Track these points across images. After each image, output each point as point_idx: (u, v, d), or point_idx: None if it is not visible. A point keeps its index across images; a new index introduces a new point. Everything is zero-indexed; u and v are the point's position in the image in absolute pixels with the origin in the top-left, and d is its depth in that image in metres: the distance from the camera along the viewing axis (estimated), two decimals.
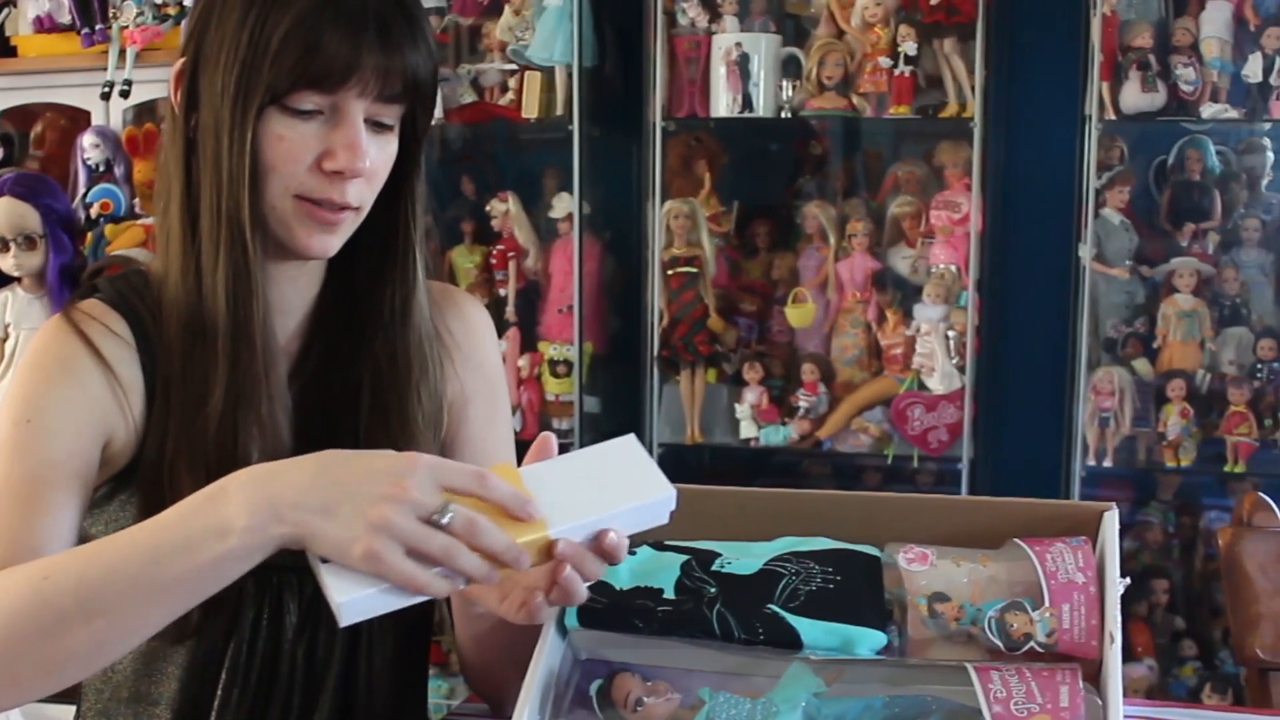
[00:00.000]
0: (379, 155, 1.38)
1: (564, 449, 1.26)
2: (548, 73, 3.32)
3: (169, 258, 1.42)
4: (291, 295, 1.48)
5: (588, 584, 1.22)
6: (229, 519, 1.14)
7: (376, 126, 1.38)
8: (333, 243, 1.40)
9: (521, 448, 1.67)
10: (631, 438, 1.24)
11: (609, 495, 1.20)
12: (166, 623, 1.20)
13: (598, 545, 1.18)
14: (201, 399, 1.39)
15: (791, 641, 1.26)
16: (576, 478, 1.22)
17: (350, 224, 1.41)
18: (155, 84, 3.44)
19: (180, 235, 1.40)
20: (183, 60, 1.40)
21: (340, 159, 1.34)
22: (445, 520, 1.11)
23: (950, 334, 3.14)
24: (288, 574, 1.43)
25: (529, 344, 3.42)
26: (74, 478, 1.37)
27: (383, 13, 1.34)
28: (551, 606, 1.23)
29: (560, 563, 1.17)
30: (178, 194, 1.40)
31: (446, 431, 1.56)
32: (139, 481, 1.40)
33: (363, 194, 1.39)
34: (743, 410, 3.28)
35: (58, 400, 1.38)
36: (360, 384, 1.47)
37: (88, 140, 3.53)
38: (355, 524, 1.10)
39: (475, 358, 1.60)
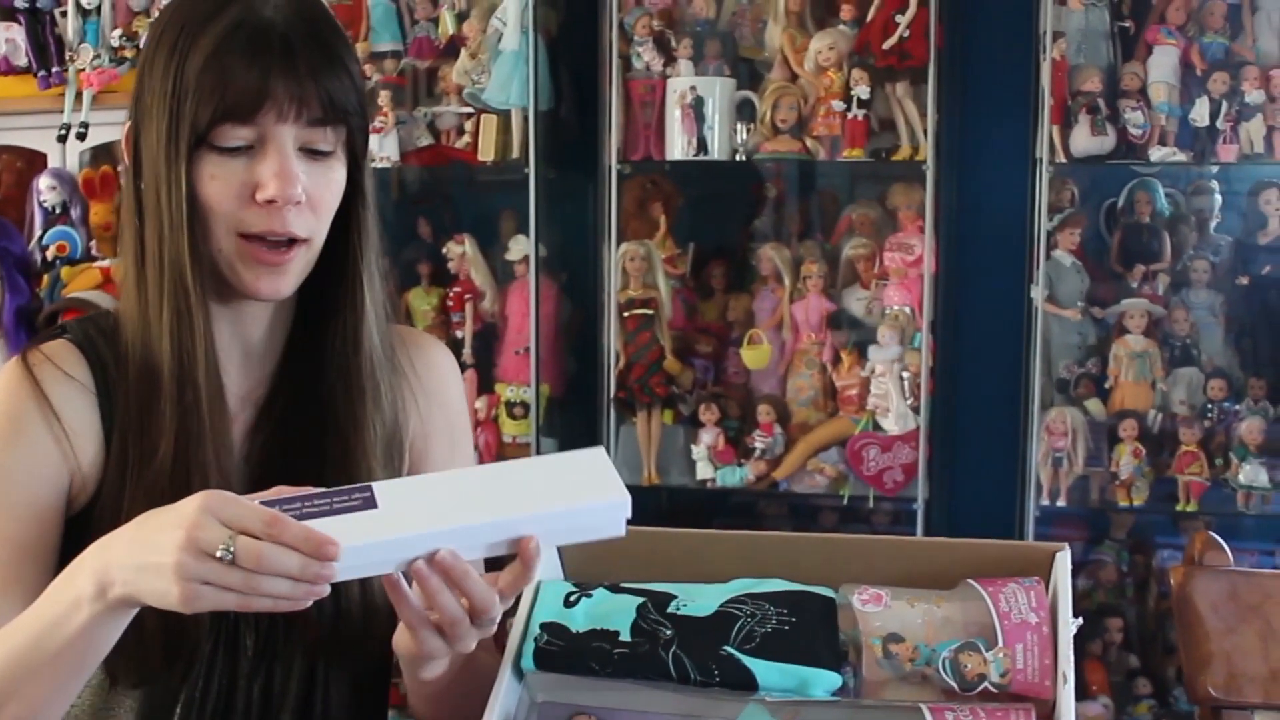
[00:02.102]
0: (320, 183, 1.39)
1: None
2: (504, 116, 3.33)
3: (125, 309, 1.43)
4: (257, 339, 1.48)
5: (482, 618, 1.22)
6: (80, 591, 1.18)
7: (313, 154, 1.38)
8: (283, 284, 1.40)
9: None
10: (600, 450, 1.25)
11: (530, 498, 1.20)
12: (78, 688, 1.25)
13: (518, 552, 1.19)
14: (154, 448, 1.39)
15: (747, 683, 1.26)
16: (510, 479, 1.23)
17: (301, 260, 1.40)
18: (112, 126, 3.44)
19: (133, 286, 1.41)
20: (129, 123, 1.42)
21: (270, 187, 1.34)
22: (228, 557, 1.11)
23: (905, 375, 3.15)
24: None
25: (486, 386, 3.41)
26: (39, 546, 1.38)
27: (289, 37, 1.35)
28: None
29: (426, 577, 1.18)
30: (129, 248, 1.41)
31: (408, 469, 1.56)
32: (95, 532, 1.39)
33: (309, 224, 1.39)
34: (699, 451, 3.29)
35: (13, 463, 1.38)
36: (320, 421, 1.47)
37: (44, 182, 3.52)
38: (164, 575, 1.12)
39: (439, 396, 1.61)
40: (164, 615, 1.25)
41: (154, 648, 1.33)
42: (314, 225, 1.40)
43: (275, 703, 1.46)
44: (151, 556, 1.13)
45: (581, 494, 1.21)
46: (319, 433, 1.46)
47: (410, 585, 1.21)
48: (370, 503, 1.17)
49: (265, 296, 1.41)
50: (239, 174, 1.36)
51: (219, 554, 1.10)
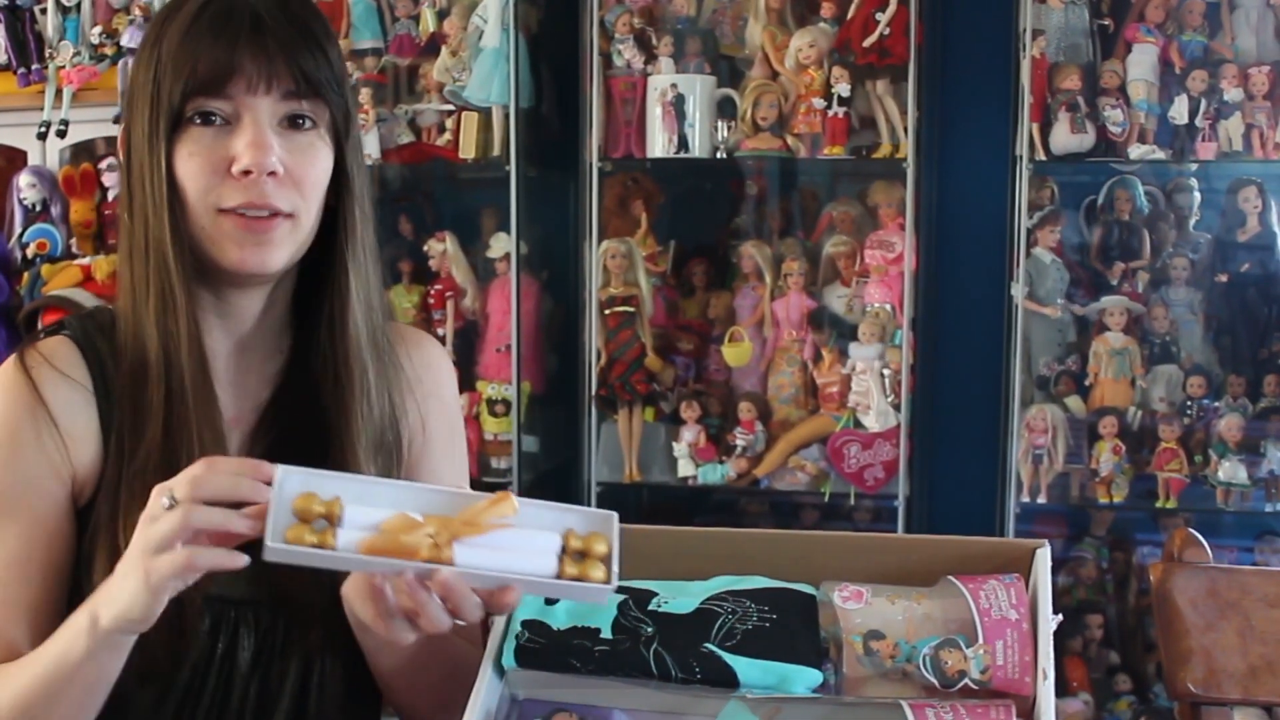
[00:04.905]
0: (301, 159, 1.39)
1: (501, 489, 1.27)
2: (485, 113, 3.33)
3: (120, 305, 1.44)
4: (249, 333, 1.48)
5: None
6: (78, 624, 1.27)
7: (294, 127, 1.40)
8: (269, 256, 1.40)
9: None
10: (614, 515, 1.26)
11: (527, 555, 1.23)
12: (96, 709, 1.32)
13: (495, 594, 1.23)
14: (143, 435, 1.39)
15: (728, 680, 1.26)
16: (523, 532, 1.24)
17: (286, 235, 1.40)
18: (92, 124, 3.44)
19: (125, 280, 1.42)
20: (123, 125, 1.44)
21: (244, 157, 1.36)
22: (171, 504, 1.18)
23: (885, 372, 3.16)
24: (244, 608, 1.43)
25: (467, 383, 3.40)
26: (50, 560, 1.40)
27: (258, 14, 1.38)
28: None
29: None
30: (122, 244, 1.43)
31: (406, 465, 1.56)
32: (95, 526, 1.40)
33: (291, 199, 1.39)
34: (680, 449, 3.29)
35: (14, 480, 1.40)
36: (316, 419, 1.47)
37: (24, 180, 3.50)
38: (131, 563, 1.21)
39: (436, 393, 1.60)
40: (165, 614, 1.26)
41: (157, 646, 1.34)
42: (297, 201, 1.40)
43: (271, 701, 1.46)
44: (123, 566, 1.22)
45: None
46: (316, 432, 1.46)
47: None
48: None
49: (251, 269, 1.40)
50: (215, 148, 1.37)
51: (165, 505, 1.18)
